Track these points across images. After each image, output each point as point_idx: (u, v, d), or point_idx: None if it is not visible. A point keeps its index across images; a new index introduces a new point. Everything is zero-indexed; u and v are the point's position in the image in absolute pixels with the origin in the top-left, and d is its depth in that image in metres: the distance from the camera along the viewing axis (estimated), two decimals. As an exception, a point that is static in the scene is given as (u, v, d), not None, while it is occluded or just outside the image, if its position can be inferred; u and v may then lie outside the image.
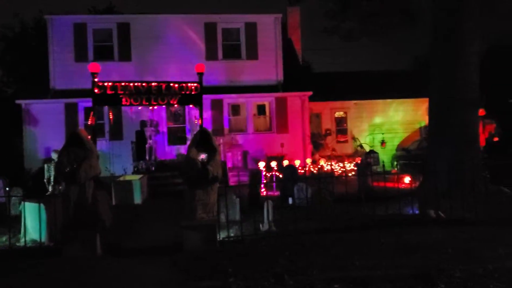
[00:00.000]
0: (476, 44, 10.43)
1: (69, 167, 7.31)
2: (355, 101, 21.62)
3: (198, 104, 14.83)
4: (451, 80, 10.32)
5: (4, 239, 8.21)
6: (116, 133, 17.30)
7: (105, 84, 13.91)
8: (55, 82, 17.52)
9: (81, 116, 17.27)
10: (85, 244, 7.16)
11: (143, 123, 16.51)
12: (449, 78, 10.36)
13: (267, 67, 18.58)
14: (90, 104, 14.55)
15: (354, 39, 17.38)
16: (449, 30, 10.48)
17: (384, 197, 9.22)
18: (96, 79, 13.76)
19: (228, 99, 18.29)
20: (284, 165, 14.31)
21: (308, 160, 17.11)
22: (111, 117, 16.88)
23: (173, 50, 17.89)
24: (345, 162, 17.52)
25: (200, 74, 14.69)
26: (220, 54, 18.50)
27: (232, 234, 8.02)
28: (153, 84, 14.28)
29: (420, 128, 21.35)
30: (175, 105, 15.43)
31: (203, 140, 7.68)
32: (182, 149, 16.86)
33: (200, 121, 14.49)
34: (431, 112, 11.02)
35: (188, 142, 17.54)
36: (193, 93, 14.61)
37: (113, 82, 14.12)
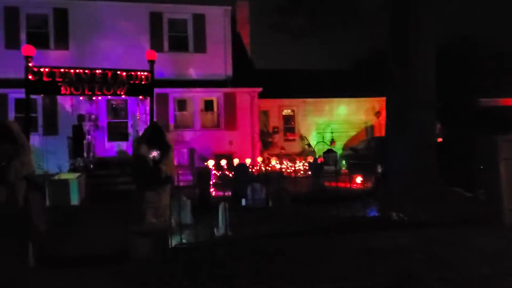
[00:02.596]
0: (434, 43, 10.32)
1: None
2: (303, 99, 21.46)
3: (149, 95, 13.71)
4: (409, 80, 10.14)
5: None
6: (51, 127, 15.92)
7: (41, 70, 12.46)
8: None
9: (11, 108, 15.71)
10: (15, 255, 6.14)
11: (81, 117, 15.23)
12: (407, 78, 10.17)
13: (216, 61, 17.85)
14: (22, 95, 13.11)
15: (303, 35, 17.20)
16: (409, 27, 10.24)
17: (338, 197, 8.92)
18: (30, 64, 12.29)
19: (174, 93, 17.39)
20: (235, 164, 13.74)
21: (259, 159, 16.63)
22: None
23: (115, 40, 16.71)
24: (297, 161, 17.20)
25: (152, 62, 13.58)
26: (166, 45, 17.55)
27: (184, 241, 7.31)
28: (97, 71, 12.94)
29: (367, 127, 21.56)
30: (122, 96, 14.13)
31: (155, 136, 6.88)
32: (124, 145, 15.79)
33: (147, 116, 13.49)
34: (389, 112, 10.80)
35: (131, 138, 16.59)
36: (143, 82, 13.46)
37: (51, 67, 12.72)
